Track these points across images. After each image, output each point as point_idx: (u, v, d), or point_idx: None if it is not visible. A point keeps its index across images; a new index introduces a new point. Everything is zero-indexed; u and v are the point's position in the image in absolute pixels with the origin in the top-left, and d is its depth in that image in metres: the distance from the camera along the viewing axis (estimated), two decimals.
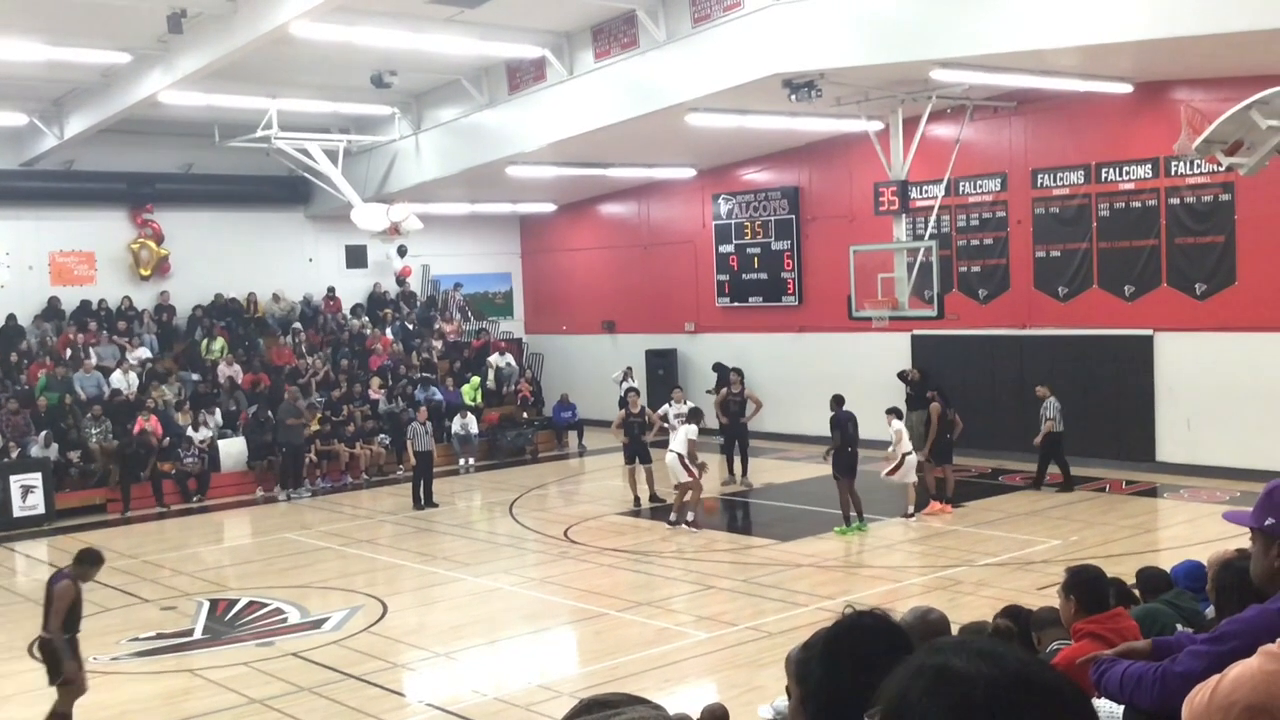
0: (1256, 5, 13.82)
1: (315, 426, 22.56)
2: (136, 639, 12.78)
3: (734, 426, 20.63)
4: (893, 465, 16.90)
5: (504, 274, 30.59)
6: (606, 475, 22.51)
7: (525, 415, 25.92)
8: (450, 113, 22.91)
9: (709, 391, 23.27)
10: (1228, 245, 18.50)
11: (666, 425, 19.35)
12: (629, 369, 25.22)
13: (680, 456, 17.06)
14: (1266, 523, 3.47)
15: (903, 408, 19.84)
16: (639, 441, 19.05)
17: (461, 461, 23.72)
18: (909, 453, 16.84)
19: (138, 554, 17.23)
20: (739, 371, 21.26)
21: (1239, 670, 2.69)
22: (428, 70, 21.36)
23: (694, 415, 18.03)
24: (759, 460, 21.24)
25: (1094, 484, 18.62)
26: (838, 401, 17.00)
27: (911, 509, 17.03)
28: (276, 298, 26.40)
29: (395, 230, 22.66)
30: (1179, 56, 16.58)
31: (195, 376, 23.72)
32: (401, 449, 21.60)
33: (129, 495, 20.39)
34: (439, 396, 24.60)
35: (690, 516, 17.11)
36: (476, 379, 25.82)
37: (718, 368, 23.59)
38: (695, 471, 17.07)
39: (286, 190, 26.00)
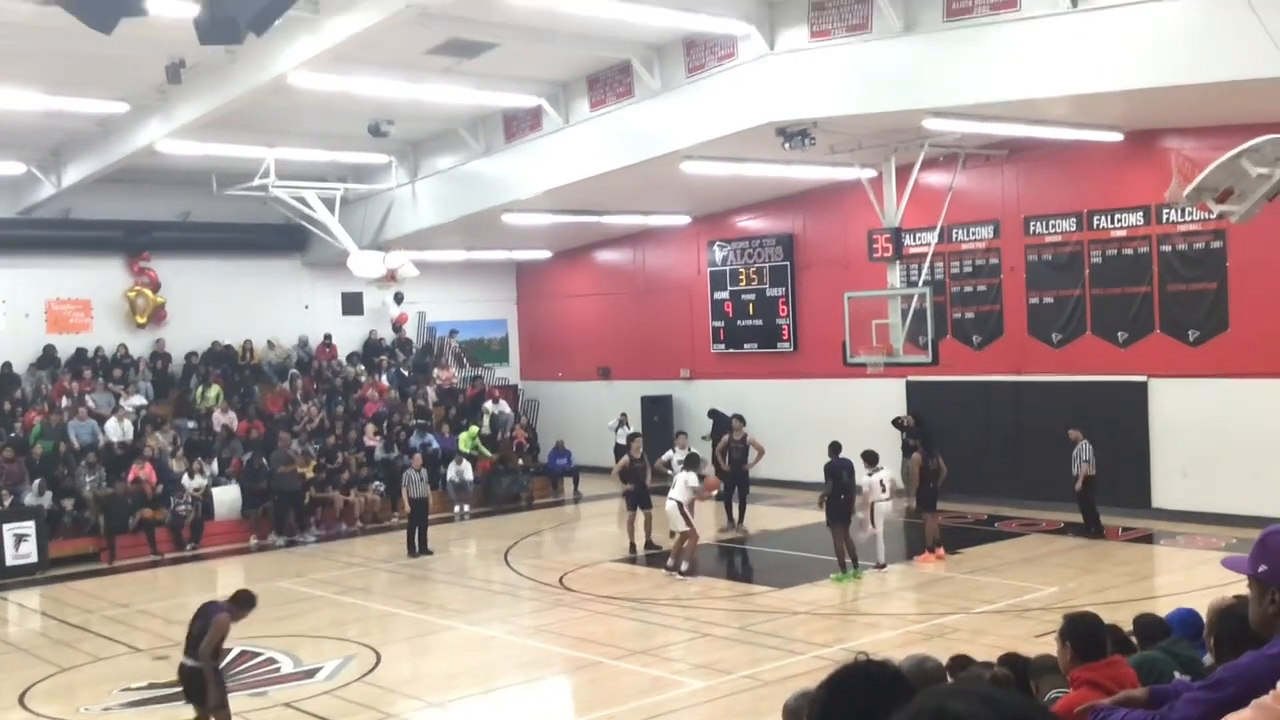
0: (1245, 55, 13.95)
1: (310, 474, 22.48)
2: (128, 689, 12.67)
3: (735, 473, 20.59)
4: (866, 519, 16.79)
5: (499, 320, 30.64)
6: (602, 522, 22.44)
7: (521, 462, 25.87)
8: (447, 161, 23.04)
9: (704, 438, 23.24)
10: (1220, 292, 18.60)
11: (669, 471, 19.25)
12: (624, 415, 25.19)
13: (680, 504, 17.03)
14: (1260, 569, 3.49)
15: (898, 454, 19.82)
16: (642, 487, 18.99)
17: (456, 509, 23.64)
18: (878, 500, 16.79)
19: (130, 603, 17.13)
20: (741, 418, 21.21)
21: None
22: (424, 119, 21.49)
23: (691, 462, 17.97)
24: (755, 507, 21.17)
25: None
26: (834, 449, 16.99)
27: (879, 560, 16.88)
28: (271, 344, 26.40)
29: (391, 277, 22.75)
30: (1169, 105, 16.74)
31: (190, 424, 23.69)
32: (396, 496, 21.54)
33: (114, 545, 20.32)
34: (434, 444, 24.56)
35: (684, 565, 17.05)
36: (475, 428, 25.74)
37: (713, 414, 23.58)
38: (693, 521, 17.03)
39: (283, 238, 26.06)
